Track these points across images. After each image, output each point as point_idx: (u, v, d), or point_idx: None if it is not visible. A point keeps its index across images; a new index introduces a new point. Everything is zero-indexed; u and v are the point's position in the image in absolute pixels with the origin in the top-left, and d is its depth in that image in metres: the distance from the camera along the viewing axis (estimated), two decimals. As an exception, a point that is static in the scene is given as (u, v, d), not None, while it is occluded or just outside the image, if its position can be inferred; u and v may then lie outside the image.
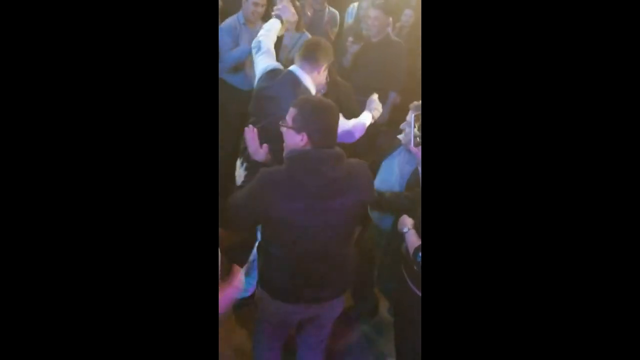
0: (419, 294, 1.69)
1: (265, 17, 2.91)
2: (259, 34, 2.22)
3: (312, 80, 2.02)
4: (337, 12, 3.48)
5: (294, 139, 1.47)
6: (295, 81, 1.98)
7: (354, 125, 2.08)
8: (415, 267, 1.66)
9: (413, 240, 1.69)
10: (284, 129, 1.49)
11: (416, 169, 1.92)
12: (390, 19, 3.13)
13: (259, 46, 2.16)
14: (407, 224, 1.75)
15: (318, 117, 1.46)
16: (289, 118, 1.48)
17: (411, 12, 3.64)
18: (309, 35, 3.00)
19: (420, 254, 1.63)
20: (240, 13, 2.89)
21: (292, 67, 2.02)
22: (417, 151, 1.74)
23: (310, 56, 1.99)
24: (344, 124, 2.01)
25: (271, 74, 2.05)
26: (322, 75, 2.07)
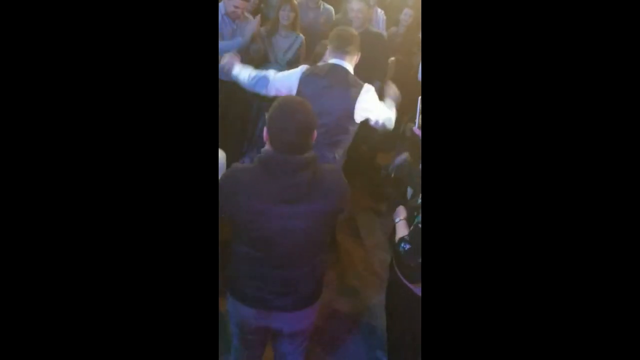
0: (409, 286, 1.74)
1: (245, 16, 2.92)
2: (240, 76, 2.27)
3: (352, 70, 2.12)
4: (332, 9, 3.45)
5: (265, 139, 1.40)
6: (345, 72, 2.10)
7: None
8: (402, 258, 1.69)
9: (401, 230, 1.72)
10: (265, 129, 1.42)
11: None
12: (381, 12, 3.21)
13: (259, 79, 2.20)
14: (400, 214, 1.79)
15: (283, 120, 1.35)
16: (267, 117, 1.40)
17: (410, 12, 3.60)
18: (303, 39, 3.05)
19: (403, 244, 1.66)
20: (221, 4, 2.85)
21: (334, 60, 2.12)
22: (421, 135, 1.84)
23: (346, 46, 2.10)
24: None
25: (310, 74, 2.11)
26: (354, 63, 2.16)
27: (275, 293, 1.49)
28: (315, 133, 1.42)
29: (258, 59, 3.00)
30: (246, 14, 2.99)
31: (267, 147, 1.39)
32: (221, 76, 2.29)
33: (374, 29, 3.21)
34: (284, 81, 2.15)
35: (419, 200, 1.71)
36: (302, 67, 2.16)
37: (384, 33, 3.43)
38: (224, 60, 2.32)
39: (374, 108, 2.16)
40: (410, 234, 1.68)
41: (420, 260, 1.66)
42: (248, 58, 2.92)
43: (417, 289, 1.73)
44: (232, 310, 1.60)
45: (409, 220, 1.76)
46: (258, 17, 2.91)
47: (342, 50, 2.11)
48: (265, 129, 1.39)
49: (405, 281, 1.76)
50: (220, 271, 1.26)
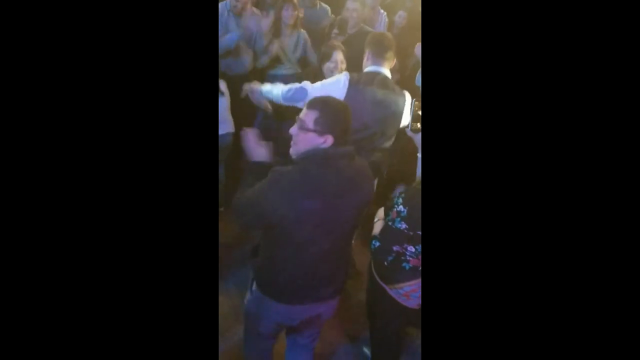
0: (384, 286, 1.78)
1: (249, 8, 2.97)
2: (273, 92, 2.25)
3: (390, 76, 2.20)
4: (328, 7, 3.52)
5: (314, 141, 1.43)
6: (388, 80, 2.17)
7: None
8: (372, 255, 1.76)
9: (376, 229, 1.77)
10: (294, 131, 1.47)
11: None
12: (384, 13, 3.34)
13: (295, 92, 2.19)
14: (379, 215, 1.84)
15: (342, 118, 1.45)
16: (308, 120, 1.43)
17: (404, 14, 3.67)
18: (305, 33, 3.10)
19: (374, 242, 1.71)
20: (227, 1, 2.91)
21: (374, 68, 2.17)
22: (414, 136, 1.83)
23: (385, 52, 2.15)
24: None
25: (356, 83, 2.12)
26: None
27: (314, 286, 1.54)
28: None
29: (271, 62, 3.07)
30: (253, 8, 3.04)
31: (305, 147, 1.44)
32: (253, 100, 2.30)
33: (368, 29, 3.25)
34: (327, 91, 2.11)
35: (393, 198, 1.74)
36: (345, 75, 2.18)
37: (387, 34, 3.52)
38: (245, 87, 2.32)
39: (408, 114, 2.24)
40: (381, 232, 1.72)
41: (390, 259, 1.71)
42: (259, 63, 3.00)
43: (392, 290, 1.77)
44: (262, 308, 1.62)
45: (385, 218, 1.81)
46: (272, 12, 2.97)
47: (381, 56, 2.16)
48: (298, 132, 1.45)
49: (378, 280, 1.79)
50: (220, 271, 1.29)
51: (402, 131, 2.42)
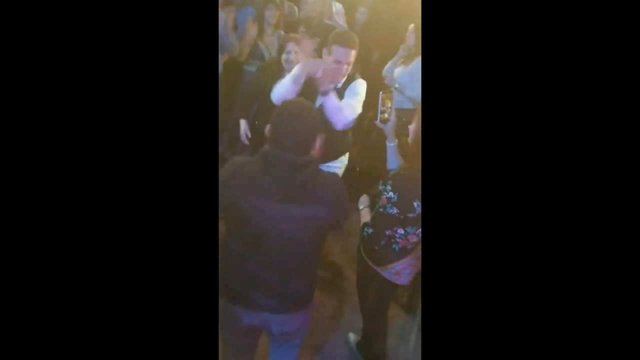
0: (375, 268, 1.88)
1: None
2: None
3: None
4: (296, 8, 3.76)
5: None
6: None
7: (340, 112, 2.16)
8: (366, 242, 1.85)
9: (365, 216, 1.89)
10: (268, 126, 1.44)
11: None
12: (340, 6, 3.54)
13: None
14: (364, 202, 1.96)
15: (286, 121, 1.38)
16: (274, 115, 1.42)
17: (365, 10, 3.87)
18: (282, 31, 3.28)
19: (367, 229, 1.83)
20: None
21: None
22: (384, 126, 1.94)
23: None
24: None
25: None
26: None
27: (265, 294, 1.47)
28: (319, 141, 1.44)
29: (251, 59, 3.25)
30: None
31: (268, 144, 1.40)
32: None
33: (328, 22, 3.43)
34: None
35: (380, 186, 1.81)
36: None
37: (344, 25, 3.68)
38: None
39: None
40: (373, 219, 1.81)
41: (383, 243, 1.79)
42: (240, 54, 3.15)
43: (384, 272, 1.87)
44: (225, 312, 1.55)
45: (372, 206, 1.90)
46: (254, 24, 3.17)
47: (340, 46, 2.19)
48: (268, 126, 1.41)
49: (370, 264, 1.88)
50: (220, 271, 1.32)
51: (370, 126, 2.55)
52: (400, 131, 2.03)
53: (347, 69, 2.19)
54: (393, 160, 1.94)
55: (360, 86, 2.30)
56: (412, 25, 2.95)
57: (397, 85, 2.93)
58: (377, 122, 1.96)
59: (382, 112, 1.93)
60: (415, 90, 2.82)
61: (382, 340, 2.20)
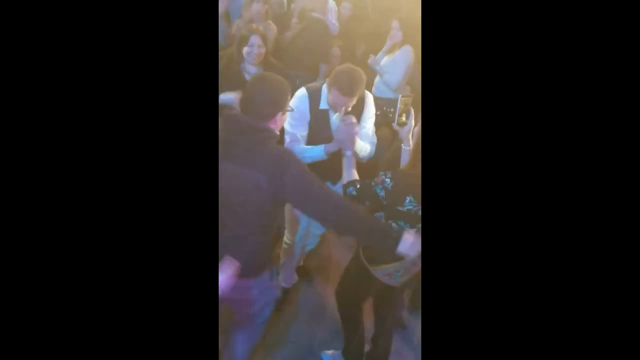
0: (369, 268, 1.88)
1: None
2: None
3: None
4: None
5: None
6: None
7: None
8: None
9: (353, 175, 1.87)
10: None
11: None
12: (332, 3, 3.54)
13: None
14: (353, 175, 1.92)
15: (255, 88, 1.53)
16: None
17: (349, 5, 3.90)
18: (273, 25, 3.30)
19: (350, 189, 1.81)
20: None
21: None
22: (400, 130, 1.96)
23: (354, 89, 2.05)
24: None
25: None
26: None
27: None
28: (279, 117, 1.55)
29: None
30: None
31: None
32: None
33: (318, 16, 3.47)
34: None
35: (380, 172, 1.78)
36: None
37: (335, 22, 3.69)
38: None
39: None
40: (360, 185, 1.78)
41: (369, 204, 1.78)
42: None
43: (376, 271, 1.86)
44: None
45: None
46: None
47: (351, 94, 2.08)
48: (240, 91, 1.54)
49: (366, 263, 1.88)
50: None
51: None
52: (384, 120, 2.09)
53: (349, 106, 2.07)
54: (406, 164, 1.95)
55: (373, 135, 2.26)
56: (395, 22, 3.18)
57: (377, 68, 3.23)
58: (394, 124, 1.99)
59: (400, 115, 1.97)
60: (393, 75, 3.14)
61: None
